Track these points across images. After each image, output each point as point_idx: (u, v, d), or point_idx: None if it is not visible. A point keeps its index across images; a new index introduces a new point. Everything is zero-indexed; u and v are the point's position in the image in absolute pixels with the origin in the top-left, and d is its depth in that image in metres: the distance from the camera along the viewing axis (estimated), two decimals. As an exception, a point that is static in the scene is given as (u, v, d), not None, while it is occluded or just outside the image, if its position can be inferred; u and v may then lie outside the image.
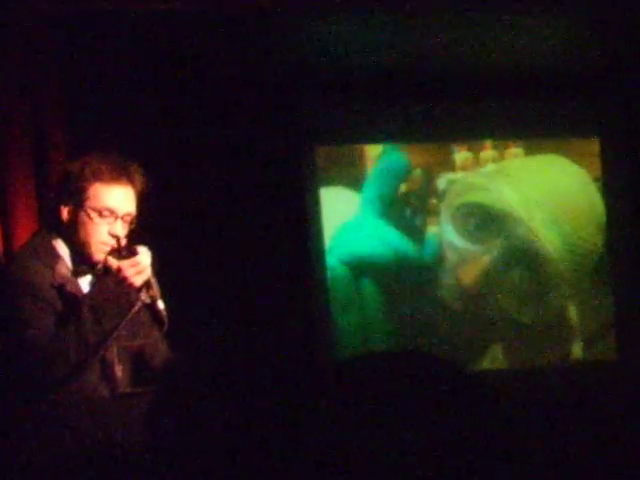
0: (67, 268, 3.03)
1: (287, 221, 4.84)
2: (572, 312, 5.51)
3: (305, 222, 5.01)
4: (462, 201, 5.38)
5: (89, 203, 3.03)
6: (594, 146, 5.53)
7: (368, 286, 5.27)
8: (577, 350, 5.47)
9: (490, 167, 5.43)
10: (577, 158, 5.51)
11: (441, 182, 5.38)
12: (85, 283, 3.05)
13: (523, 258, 5.39)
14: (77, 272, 3.04)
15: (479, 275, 5.38)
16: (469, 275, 5.37)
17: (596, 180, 5.52)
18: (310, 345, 4.66)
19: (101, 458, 2.79)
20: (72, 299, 2.97)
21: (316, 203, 5.12)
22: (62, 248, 3.06)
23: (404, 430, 1.18)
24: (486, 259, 5.37)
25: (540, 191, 5.40)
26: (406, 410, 1.20)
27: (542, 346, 5.43)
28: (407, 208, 5.34)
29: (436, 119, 5.28)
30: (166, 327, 3.03)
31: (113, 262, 2.99)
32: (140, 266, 2.98)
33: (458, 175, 5.37)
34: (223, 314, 4.41)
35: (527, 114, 5.35)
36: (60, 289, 2.98)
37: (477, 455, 1.19)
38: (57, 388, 2.90)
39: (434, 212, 5.38)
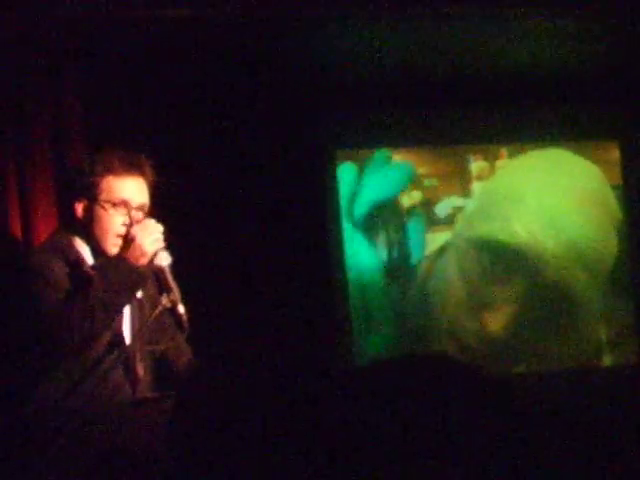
0: (87, 265, 3.05)
1: (308, 225, 4.84)
2: (594, 319, 5.48)
3: (326, 226, 5.01)
4: (474, 234, 5.28)
5: (102, 196, 3.05)
6: (612, 153, 5.51)
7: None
8: (600, 355, 5.44)
9: (500, 180, 5.38)
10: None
11: (443, 207, 5.31)
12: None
13: (549, 295, 5.29)
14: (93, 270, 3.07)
15: (508, 322, 5.24)
16: (497, 322, 5.24)
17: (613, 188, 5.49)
18: (332, 351, 4.67)
19: (123, 462, 2.80)
20: (83, 280, 2.98)
21: (337, 207, 5.12)
22: (81, 245, 3.08)
23: (426, 432, 1.20)
24: (513, 305, 5.25)
25: (555, 199, 5.33)
26: (427, 413, 1.22)
27: (564, 352, 5.39)
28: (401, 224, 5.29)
29: (454, 124, 5.26)
30: (187, 331, 3.05)
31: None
32: (151, 228, 3.01)
33: (463, 202, 5.30)
34: (244, 319, 4.43)
35: (546, 118, 5.34)
36: (79, 284, 3.00)
37: (499, 458, 1.20)
38: (88, 382, 2.93)
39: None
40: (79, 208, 3.08)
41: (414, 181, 5.28)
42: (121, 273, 2.96)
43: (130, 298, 3.02)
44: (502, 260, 5.24)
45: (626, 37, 4.77)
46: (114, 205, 3.05)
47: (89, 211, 3.07)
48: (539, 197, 5.30)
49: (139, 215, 3.08)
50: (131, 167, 3.08)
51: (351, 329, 5.13)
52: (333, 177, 5.14)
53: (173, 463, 1.47)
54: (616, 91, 5.27)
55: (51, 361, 2.95)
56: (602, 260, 5.39)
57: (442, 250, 5.28)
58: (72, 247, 3.07)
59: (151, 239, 3.00)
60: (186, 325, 3.03)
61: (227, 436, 1.42)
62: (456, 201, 5.33)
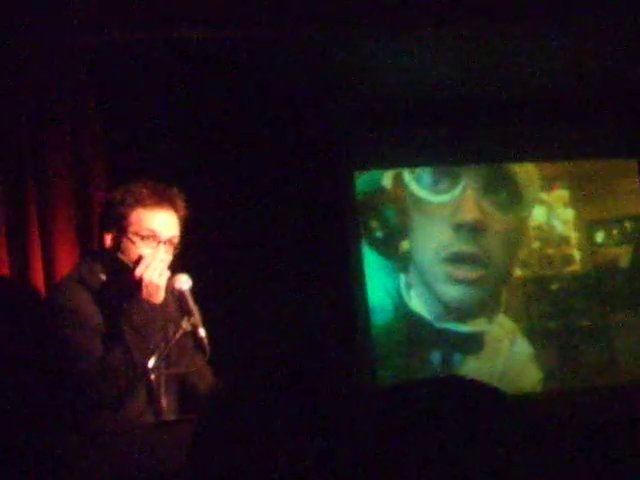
0: (108, 295, 3.05)
1: (327, 246, 4.84)
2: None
3: (345, 247, 5.01)
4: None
5: (132, 228, 3.05)
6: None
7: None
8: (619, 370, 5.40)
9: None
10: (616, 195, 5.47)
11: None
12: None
13: None
14: (118, 300, 3.06)
15: None
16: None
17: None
18: (352, 371, 4.66)
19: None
20: (114, 323, 2.99)
21: (356, 228, 5.12)
22: (105, 276, 3.09)
23: (446, 455, 1.18)
24: None
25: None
26: (449, 435, 1.20)
27: (584, 367, 5.36)
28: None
29: (471, 142, 5.28)
30: (208, 354, 3.04)
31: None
32: (154, 263, 3.00)
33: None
34: (266, 342, 4.42)
35: (566, 136, 5.35)
36: (105, 316, 3.01)
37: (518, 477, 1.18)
38: (108, 412, 2.93)
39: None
40: (108, 238, 3.09)
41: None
42: (147, 316, 2.97)
43: (162, 336, 3.02)
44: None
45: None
46: (142, 238, 3.05)
47: (117, 242, 3.07)
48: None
49: (169, 251, 3.09)
50: (162, 200, 3.08)
51: (373, 353, 5.11)
52: (352, 198, 5.15)
53: None
54: (635, 109, 5.26)
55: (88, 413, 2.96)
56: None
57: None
58: (97, 278, 3.08)
59: (157, 273, 3.00)
60: (207, 348, 3.03)
61: (249, 459, 1.42)
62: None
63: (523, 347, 5.41)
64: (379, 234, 5.29)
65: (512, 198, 5.44)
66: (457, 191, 5.37)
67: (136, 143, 4.30)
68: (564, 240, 5.49)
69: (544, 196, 5.50)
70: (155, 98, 4.34)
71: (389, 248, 5.30)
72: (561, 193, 5.50)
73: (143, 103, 4.30)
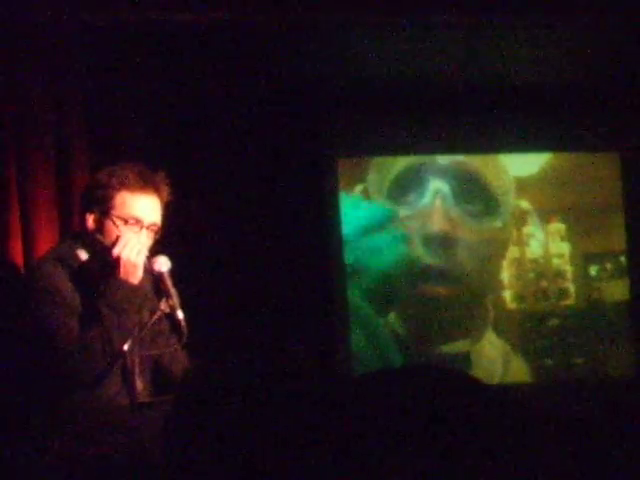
0: (86, 275, 3.06)
1: (308, 233, 4.84)
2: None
3: (326, 234, 5.00)
4: None
5: (115, 211, 3.05)
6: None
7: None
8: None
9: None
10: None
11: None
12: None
13: None
14: (92, 278, 3.06)
15: None
16: None
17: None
18: (328, 360, 4.66)
19: (119, 466, 2.81)
20: (92, 303, 3.00)
21: (337, 215, 5.10)
22: (85, 256, 3.09)
23: (419, 444, 1.20)
24: None
25: None
26: (422, 424, 1.21)
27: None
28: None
29: (454, 132, 5.25)
30: (185, 337, 3.06)
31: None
32: (132, 243, 3.00)
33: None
34: (242, 324, 4.42)
35: (546, 129, 5.32)
36: (83, 295, 3.01)
37: (492, 467, 1.20)
38: (83, 393, 2.94)
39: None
40: (90, 219, 3.08)
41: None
42: (125, 296, 2.97)
43: (139, 318, 3.02)
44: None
45: (629, 48, 4.77)
46: (125, 222, 3.05)
47: (100, 224, 3.07)
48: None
49: (150, 236, 3.10)
50: (147, 185, 3.08)
51: (349, 339, 5.10)
52: (334, 186, 5.13)
53: (170, 467, 1.47)
54: (617, 103, 5.26)
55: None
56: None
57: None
58: (77, 258, 3.08)
59: (135, 252, 3.00)
60: (185, 331, 3.04)
61: (224, 440, 1.42)
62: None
63: (519, 367, 5.38)
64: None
65: (486, 208, 5.31)
66: (425, 201, 5.24)
67: (118, 125, 4.27)
68: (559, 274, 5.46)
69: (539, 229, 5.44)
70: (139, 80, 4.32)
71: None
72: (558, 226, 5.46)
73: (127, 85, 4.29)
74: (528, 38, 4.62)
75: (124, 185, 3.06)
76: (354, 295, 5.12)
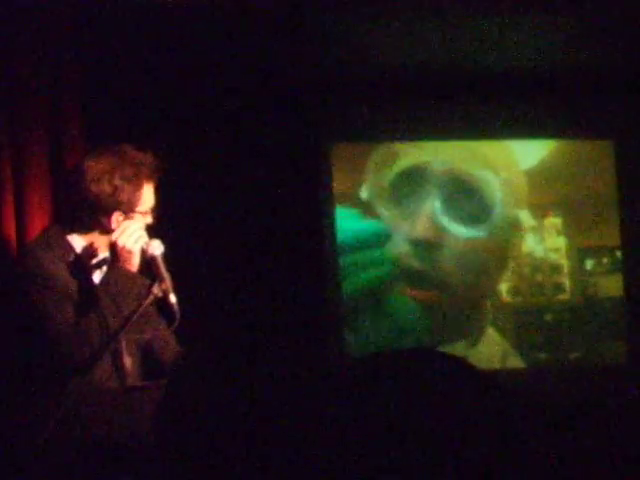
0: (80, 261, 3.04)
1: (302, 218, 4.82)
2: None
3: (320, 219, 4.99)
4: None
5: (140, 207, 3.07)
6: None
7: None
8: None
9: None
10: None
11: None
12: (97, 277, 3.07)
13: None
14: (91, 266, 3.06)
15: None
16: None
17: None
18: (322, 345, 4.66)
19: (109, 450, 2.80)
20: (88, 289, 2.99)
21: (331, 201, 5.09)
22: (76, 242, 3.08)
23: (413, 428, 1.18)
24: None
25: None
26: (415, 407, 1.20)
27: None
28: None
29: (449, 118, 5.24)
30: (177, 321, 3.04)
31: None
32: (130, 229, 3.01)
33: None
34: (234, 309, 4.42)
35: (541, 115, 5.31)
36: (75, 280, 3.00)
37: (484, 452, 1.19)
38: (80, 376, 2.93)
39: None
40: (115, 220, 3.05)
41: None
42: (123, 284, 2.97)
43: (137, 306, 3.00)
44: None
45: (625, 36, 4.76)
46: (144, 213, 3.09)
47: (102, 220, 3.06)
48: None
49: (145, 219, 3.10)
50: (153, 172, 3.09)
51: (342, 323, 5.10)
52: (328, 170, 5.11)
53: (161, 451, 1.46)
54: (613, 90, 5.25)
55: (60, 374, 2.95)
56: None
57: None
58: (67, 243, 3.07)
59: (133, 238, 3.00)
60: (177, 315, 3.03)
61: (215, 426, 1.41)
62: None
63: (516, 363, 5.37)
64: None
65: (478, 214, 5.28)
66: (418, 207, 5.22)
67: (113, 109, 4.26)
68: (555, 268, 5.45)
69: (535, 223, 5.42)
70: (134, 63, 4.31)
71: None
72: (554, 221, 5.45)
73: (122, 69, 4.27)
74: (524, 24, 4.61)
75: (128, 183, 3.04)
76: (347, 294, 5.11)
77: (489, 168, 5.31)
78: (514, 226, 5.38)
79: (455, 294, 5.24)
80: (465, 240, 5.24)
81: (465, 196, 5.24)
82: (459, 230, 5.23)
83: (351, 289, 5.13)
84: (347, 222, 5.15)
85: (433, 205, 5.20)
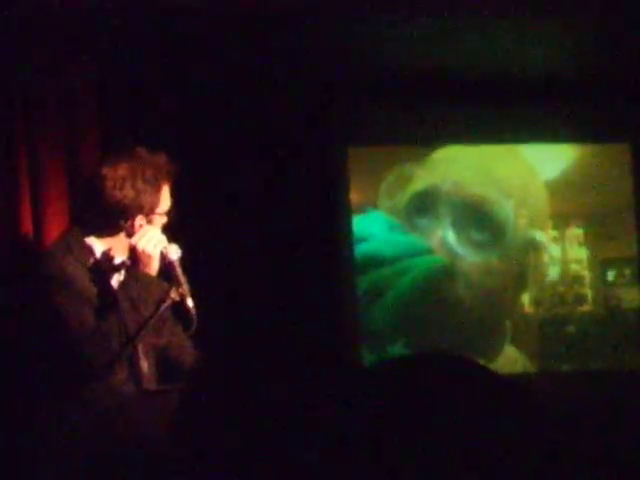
0: (99, 265, 3.03)
1: (317, 222, 4.79)
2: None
3: (335, 222, 4.95)
4: None
5: (160, 209, 3.09)
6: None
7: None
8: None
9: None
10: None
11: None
12: (115, 281, 3.06)
13: None
14: (110, 270, 3.04)
15: None
16: None
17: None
18: (338, 349, 4.62)
19: (126, 454, 2.78)
20: (107, 293, 2.99)
21: (347, 202, 5.05)
22: (96, 245, 3.07)
23: (434, 433, 1.15)
24: None
25: None
26: (435, 413, 1.17)
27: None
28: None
29: (463, 122, 5.20)
30: (194, 326, 3.03)
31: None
32: (149, 233, 3.03)
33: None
34: (250, 314, 4.39)
35: (557, 120, 5.27)
36: (94, 284, 2.99)
37: (507, 457, 1.15)
38: (99, 379, 2.92)
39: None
40: (137, 224, 3.07)
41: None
42: (143, 288, 2.98)
43: (154, 310, 3.00)
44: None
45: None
46: (163, 215, 3.11)
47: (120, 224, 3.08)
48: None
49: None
50: (169, 174, 3.12)
51: (358, 328, 5.06)
52: (344, 174, 5.06)
53: (178, 456, 1.43)
54: (630, 93, 5.20)
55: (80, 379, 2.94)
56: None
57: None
58: (87, 246, 3.07)
59: (152, 243, 3.02)
60: (194, 319, 3.02)
61: (233, 430, 1.38)
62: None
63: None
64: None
65: (489, 239, 5.24)
66: (427, 230, 5.20)
67: (129, 112, 4.25)
68: (577, 279, 5.43)
69: (557, 233, 5.40)
70: (150, 67, 4.29)
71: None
72: (576, 232, 5.43)
73: (137, 72, 4.25)
74: (536, 28, 4.59)
75: (166, 179, 3.08)
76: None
77: (502, 190, 5.28)
78: (530, 246, 5.35)
79: (470, 315, 5.20)
80: (478, 264, 5.21)
81: (476, 221, 5.22)
82: (470, 254, 5.21)
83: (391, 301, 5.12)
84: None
85: (444, 230, 5.20)
